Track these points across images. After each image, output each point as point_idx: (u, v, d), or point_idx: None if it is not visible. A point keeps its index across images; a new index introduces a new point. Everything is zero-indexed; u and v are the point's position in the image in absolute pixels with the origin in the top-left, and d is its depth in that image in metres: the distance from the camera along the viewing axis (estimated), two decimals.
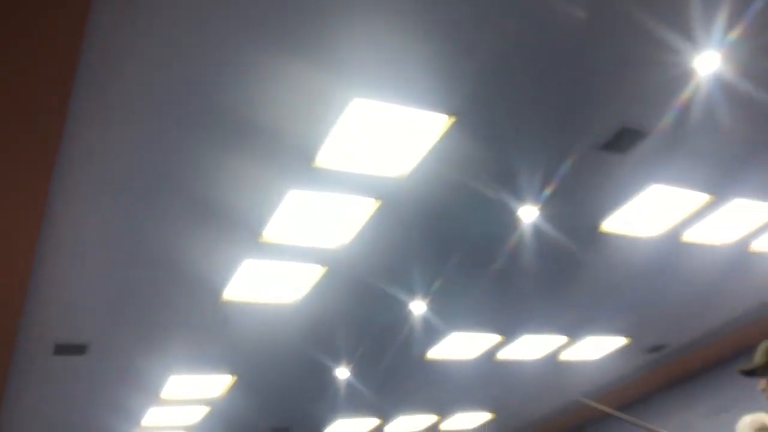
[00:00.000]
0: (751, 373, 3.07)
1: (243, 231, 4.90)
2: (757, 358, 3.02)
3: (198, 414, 8.04)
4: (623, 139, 4.84)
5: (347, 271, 5.70)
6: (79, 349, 6.06)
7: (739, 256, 6.93)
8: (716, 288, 7.56)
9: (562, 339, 8.15)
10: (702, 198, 5.79)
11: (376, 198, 4.85)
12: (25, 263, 4.52)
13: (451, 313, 6.94)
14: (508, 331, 7.67)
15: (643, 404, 10.43)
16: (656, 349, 9.06)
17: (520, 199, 5.27)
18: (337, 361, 7.53)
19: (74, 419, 7.68)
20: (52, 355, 6.07)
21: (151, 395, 7.29)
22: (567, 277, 6.63)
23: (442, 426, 10.41)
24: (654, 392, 9.91)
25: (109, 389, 7.00)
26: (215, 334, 6.29)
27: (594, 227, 5.90)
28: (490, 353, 8.12)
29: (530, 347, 8.22)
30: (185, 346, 6.41)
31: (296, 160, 4.32)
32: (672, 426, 9.87)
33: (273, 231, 4.99)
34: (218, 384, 7.35)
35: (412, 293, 6.36)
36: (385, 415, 9.53)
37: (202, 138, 4.00)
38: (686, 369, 9.65)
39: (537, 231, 5.75)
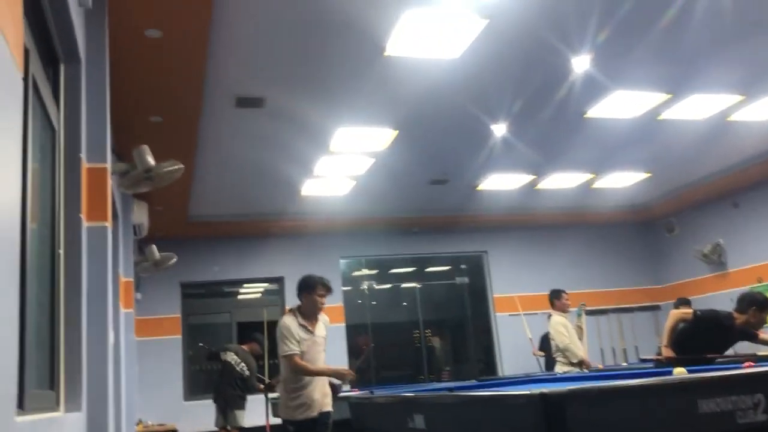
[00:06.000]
0: None
1: None
2: None
3: (364, 165, 8.69)
4: None
5: (508, 23, 5.57)
6: (257, 102, 6.61)
7: None
8: None
9: (736, 98, 7.67)
10: None
11: None
12: (202, 24, 4.85)
13: (617, 69, 6.67)
14: (678, 89, 7.32)
15: None
16: None
17: None
18: (495, 117, 7.65)
19: (257, 168, 8.60)
20: (234, 107, 6.70)
21: (322, 146, 7.91)
22: (746, 27, 6.06)
23: (596, 184, 10.53)
24: None
25: (285, 139, 7.69)
26: (379, 88, 6.55)
27: None
28: (654, 112, 7.86)
29: (697, 107, 7.84)
30: (351, 100, 6.77)
31: None
32: None
33: None
34: (382, 138, 7.81)
35: (575, 47, 6.16)
36: (540, 172, 9.76)
37: None
38: None
39: None
